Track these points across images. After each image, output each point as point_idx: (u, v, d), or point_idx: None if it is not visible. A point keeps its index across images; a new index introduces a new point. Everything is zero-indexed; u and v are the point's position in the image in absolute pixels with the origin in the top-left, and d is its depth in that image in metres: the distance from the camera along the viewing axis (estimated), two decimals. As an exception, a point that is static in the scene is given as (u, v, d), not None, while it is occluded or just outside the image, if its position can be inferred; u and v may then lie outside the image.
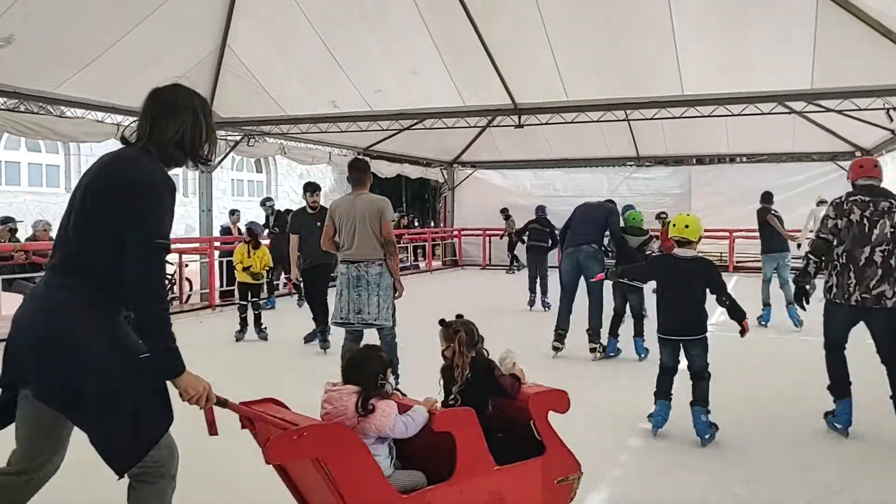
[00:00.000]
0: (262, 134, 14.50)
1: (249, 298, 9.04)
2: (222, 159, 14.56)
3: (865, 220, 4.90)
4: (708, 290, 4.97)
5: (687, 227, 5.00)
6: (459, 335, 3.31)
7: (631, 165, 19.24)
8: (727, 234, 16.97)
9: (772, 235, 9.98)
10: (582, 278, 7.79)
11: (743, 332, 4.90)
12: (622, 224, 8.37)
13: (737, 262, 17.29)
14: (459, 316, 3.45)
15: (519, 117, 12.55)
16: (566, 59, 10.63)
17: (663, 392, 5.03)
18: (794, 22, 8.90)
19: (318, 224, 7.18)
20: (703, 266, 5.12)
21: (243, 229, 10.21)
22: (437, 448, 3.00)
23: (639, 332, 7.78)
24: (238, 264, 9.16)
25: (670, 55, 9.98)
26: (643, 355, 7.62)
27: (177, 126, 2.54)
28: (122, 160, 2.52)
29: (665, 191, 18.58)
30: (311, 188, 8.94)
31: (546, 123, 13.01)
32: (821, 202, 11.74)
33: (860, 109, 10.71)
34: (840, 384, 5.06)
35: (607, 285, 7.61)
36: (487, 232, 19.55)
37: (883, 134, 13.41)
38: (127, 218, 2.39)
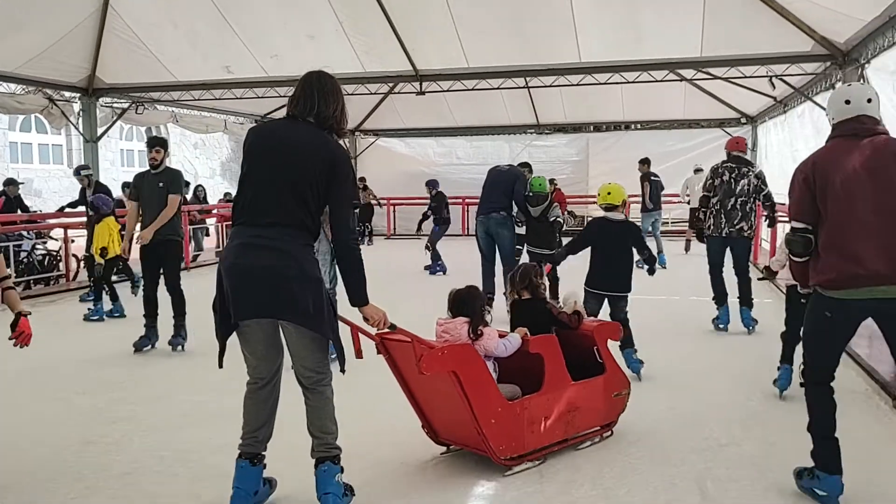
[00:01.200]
0: (152, 101, 13.82)
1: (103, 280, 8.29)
2: (108, 128, 13.79)
3: (732, 180, 7.05)
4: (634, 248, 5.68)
5: (609, 193, 5.67)
6: (514, 280, 4.42)
7: (531, 133, 19.49)
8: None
9: (650, 197, 12.19)
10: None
11: (652, 271, 5.83)
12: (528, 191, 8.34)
13: (632, 226, 17.87)
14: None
15: (420, 84, 12.46)
16: (466, 26, 10.61)
17: None
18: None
19: (160, 186, 6.57)
20: (630, 228, 5.87)
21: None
22: (525, 368, 3.94)
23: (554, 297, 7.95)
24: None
25: (568, 24, 10.12)
26: None
27: (334, 106, 3.27)
28: (315, 138, 3.21)
29: (564, 158, 18.95)
30: (152, 143, 6.83)
31: (448, 91, 12.97)
32: (697, 170, 13.42)
33: (745, 77, 11.19)
34: (720, 294, 7.25)
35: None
36: (392, 201, 19.41)
37: (766, 101, 14.11)
38: (335, 187, 3.19)
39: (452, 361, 3.59)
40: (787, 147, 13.49)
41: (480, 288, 4.35)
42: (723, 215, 7.00)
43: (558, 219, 8.04)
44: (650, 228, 12.06)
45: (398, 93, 14.07)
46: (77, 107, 13.20)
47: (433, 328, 3.92)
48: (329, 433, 3.34)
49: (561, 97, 15.87)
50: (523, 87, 13.83)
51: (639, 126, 19.13)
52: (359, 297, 3.27)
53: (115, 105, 13.67)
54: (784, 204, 4.60)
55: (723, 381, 5.56)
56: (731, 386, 5.44)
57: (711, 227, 7.10)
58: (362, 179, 17.56)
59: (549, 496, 3.60)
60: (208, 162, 24.93)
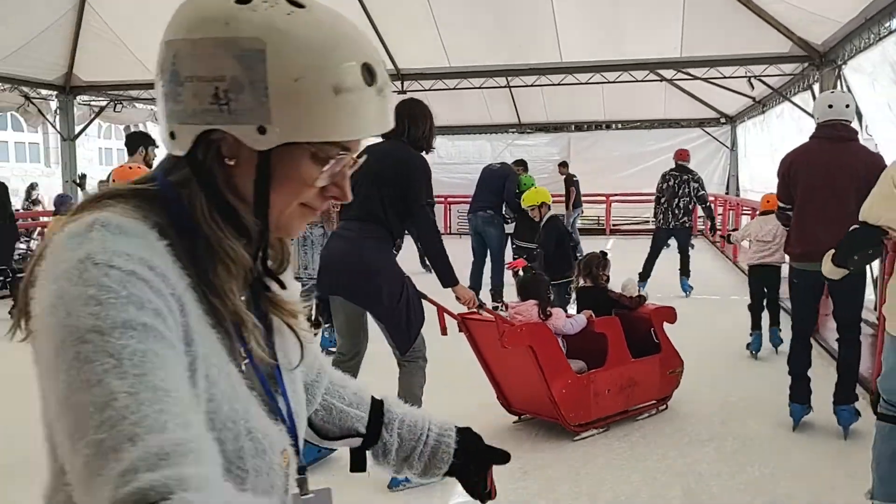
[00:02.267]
0: (131, 99, 13.68)
1: None
2: (86, 126, 13.64)
3: (676, 185, 8.85)
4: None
5: (525, 198, 6.74)
6: (579, 268, 5.21)
7: (513, 132, 19.52)
8: (604, 198, 17.61)
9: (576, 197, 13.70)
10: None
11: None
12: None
13: (613, 224, 18.02)
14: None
15: (402, 83, 12.43)
16: (448, 25, 10.61)
17: None
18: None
19: None
20: (560, 223, 6.90)
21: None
22: (590, 346, 4.43)
23: None
24: None
25: (549, 23, 10.15)
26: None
27: (423, 128, 3.76)
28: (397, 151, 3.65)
29: (546, 157, 18.96)
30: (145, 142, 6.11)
31: (429, 90, 12.94)
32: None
33: (725, 77, 11.29)
34: (648, 271, 8.85)
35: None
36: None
37: (745, 101, 14.24)
38: (409, 189, 3.62)
39: (530, 337, 4.10)
40: (766, 146, 13.62)
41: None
42: (670, 212, 8.85)
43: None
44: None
45: (380, 92, 14.01)
46: (54, 105, 13.05)
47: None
48: (416, 401, 3.53)
49: (542, 96, 15.89)
50: (505, 87, 13.85)
51: (620, 125, 19.21)
52: (447, 280, 3.76)
53: (92, 103, 13.52)
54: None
55: (704, 378, 5.61)
56: (712, 383, 5.50)
57: (661, 221, 8.97)
58: None
59: (533, 493, 3.62)
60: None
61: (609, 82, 11.97)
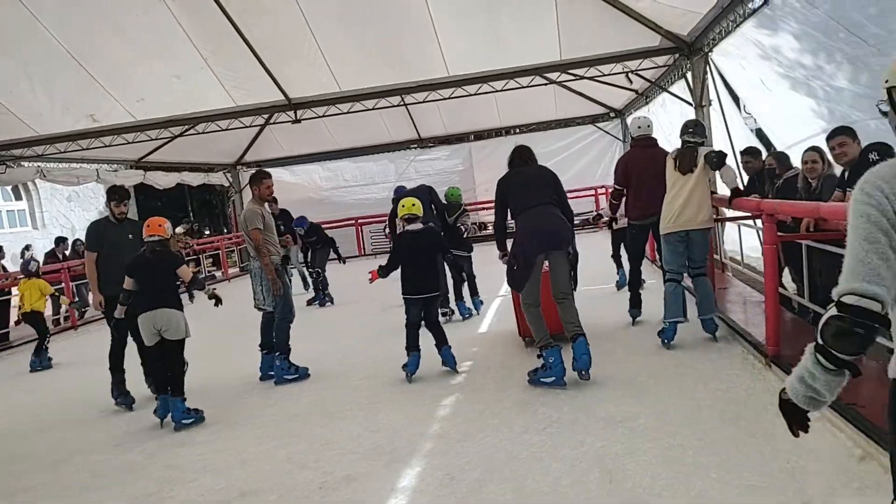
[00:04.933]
0: (15, 158, 13.13)
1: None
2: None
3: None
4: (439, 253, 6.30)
5: (413, 205, 6.21)
6: None
7: (415, 148, 19.73)
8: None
9: None
10: None
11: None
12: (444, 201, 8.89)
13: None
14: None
15: (295, 112, 12.45)
16: (333, 52, 10.71)
17: (414, 345, 6.12)
18: (538, 1, 9.61)
19: (130, 237, 6.32)
20: (435, 235, 6.44)
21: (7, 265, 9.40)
22: None
23: (475, 292, 8.77)
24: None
25: (431, 39, 10.39)
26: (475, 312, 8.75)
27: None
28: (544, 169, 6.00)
29: (449, 169, 19.29)
30: (118, 196, 6.59)
31: (323, 116, 12.99)
32: None
33: (605, 75, 11.79)
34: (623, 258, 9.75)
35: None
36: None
37: (629, 94, 14.90)
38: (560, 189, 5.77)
39: None
40: (657, 133, 14.25)
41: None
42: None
43: (462, 226, 8.69)
44: None
45: (274, 123, 13.95)
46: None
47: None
48: (575, 323, 5.39)
49: (438, 110, 16.17)
50: (400, 105, 14.01)
51: (517, 130, 19.71)
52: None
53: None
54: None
55: (614, 359, 5.88)
56: (622, 362, 5.77)
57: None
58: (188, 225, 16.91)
59: (461, 497, 3.73)
60: (84, 213, 23.80)
61: (498, 91, 12.32)
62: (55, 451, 5.38)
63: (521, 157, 5.91)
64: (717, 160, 6.05)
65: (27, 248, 14.81)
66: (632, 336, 6.77)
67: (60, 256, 13.82)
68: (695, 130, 6.20)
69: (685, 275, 6.31)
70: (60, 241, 14.47)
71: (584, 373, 5.34)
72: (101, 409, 6.39)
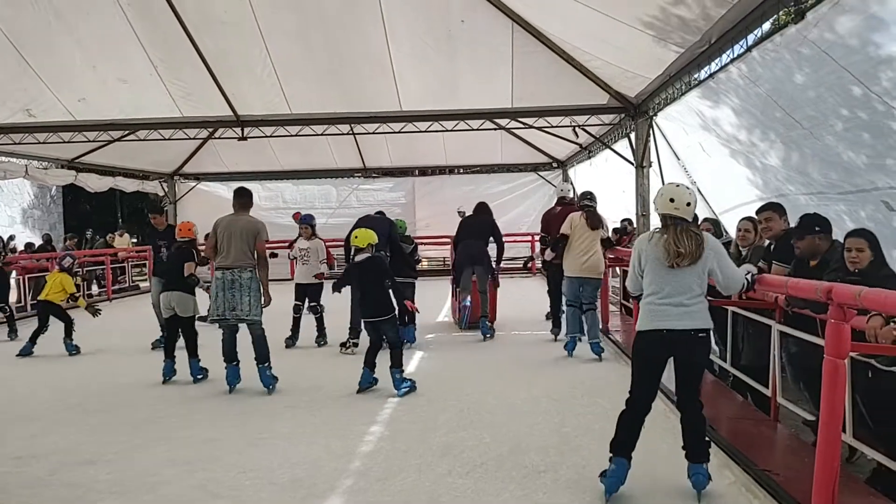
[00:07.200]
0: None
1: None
2: None
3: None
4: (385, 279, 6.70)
5: (356, 237, 6.75)
6: None
7: (358, 177, 19.71)
8: (449, 239, 18.06)
9: None
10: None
11: (409, 309, 7.43)
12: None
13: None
14: None
15: (242, 129, 12.29)
16: (287, 72, 10.67)
17: (370, 363, 6.60)
18: (496, 49, 9.83)
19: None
20: (378, 262, 6.82)
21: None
22: None
23: (412, 321, 8.82)
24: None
25: (387, 74, 10.49)
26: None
27: None
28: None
29: (391, 201, 19.28)
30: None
31: (271, 136, 12.88)
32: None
33: (553, 126, 12.08)
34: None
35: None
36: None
37: (573, 147, 15.28)
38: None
39: None
40: (596, 188, 14.64)
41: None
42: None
43: (419, 258, 9.57)
44: None
45: (219, 138, 13.73)
46: None
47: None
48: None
49: (386, 143, 16.23)
50: (349, 134, 14.02)
51: (461, 170, 19.95)
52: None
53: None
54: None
55: (539, 410, 5.91)
56: (546, 413, 5.81)
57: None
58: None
59: (379, 538, 3.66)
60: (6, 209, 22.84)
61: (448, 130, 12.45)
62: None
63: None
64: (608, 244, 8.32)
65: (70, 237, 15.28)
66: (562, 383, 6.83)
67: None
68: (591, 198, 8.29)
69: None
70: None
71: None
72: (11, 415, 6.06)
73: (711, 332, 4.09)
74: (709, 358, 4.48)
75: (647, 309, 4.01)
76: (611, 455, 4.06)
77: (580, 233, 7.94)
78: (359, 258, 6.71)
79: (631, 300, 6.21)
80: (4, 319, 10.68)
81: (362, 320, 6.79)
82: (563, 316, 8.58)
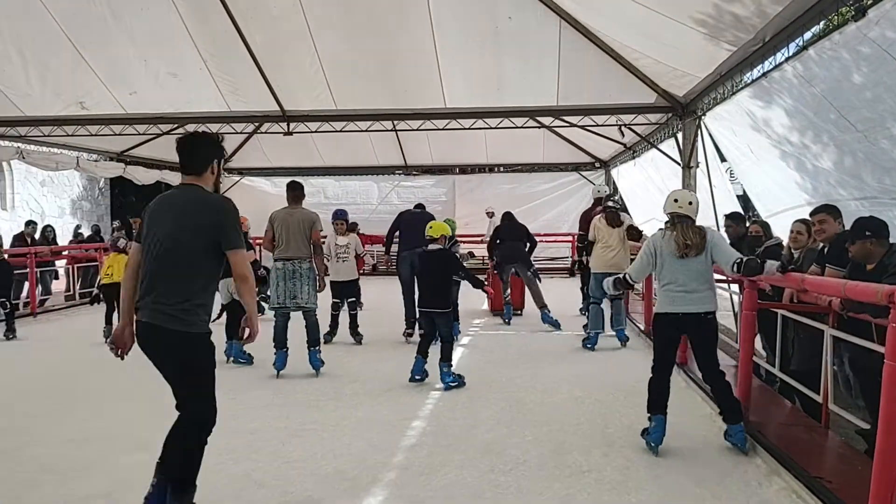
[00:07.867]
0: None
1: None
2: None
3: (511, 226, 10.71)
4: (454, 273, 6.96)
5: (430, 227, 6.91)
6: None
7: (399, 174, 19.79)
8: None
9: None
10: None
11: (488, 294, 7.97)
12: None
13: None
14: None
15: (288, 124, 12.41)
16: (334, 69, 10.73)
17: (423, 351, 6.75)
18: (543, 46, 9.74)
19: None
20: (451, 255, 7.06)
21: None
22: None
23: (455, 318, 8.94)
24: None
25: (434, 73, 10.48)
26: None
27: None
28: None
29: (432, 198, 19.29)
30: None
31: (316, 132, 12.99)
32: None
33: (598, 125, 11.97)
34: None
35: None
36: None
37: (617, 147, 15.11)
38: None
39: None
40: (640, 188, 14.55)
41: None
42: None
43: (457, 252, 9.47)
44: None
45: (264, 132, 13.90)
46: None
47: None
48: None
49: (428, 140, 16.26)
50: (391, 130, 14.07)
51: (502, 168, 19.89)
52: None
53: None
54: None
55: (584, 410, 5.87)
56: (591, 414, 5.76)
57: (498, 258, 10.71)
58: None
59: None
60: (57, 200, 23.41)
61: (491, 128, 12.41)
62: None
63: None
64: (636, 233, 8.80)
65: (118, 227, 15.08)
66: (608, 391, 6.77)
67: (28, 240, 13.51)
68: (613, 198, 9.55)
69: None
70: (29, 224, 14.17)
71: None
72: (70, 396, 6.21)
73: (716, 314, 4.85)
74: (717, 333, 5.11)
75: (666, 296, 4.83)
76: (649, 415, 4.84)
77: (603, 233, 8.84)
78: (431, 247, 6.89)
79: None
80: (3, 317, 9.95)
81: (418, 310, 6.98)
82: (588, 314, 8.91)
